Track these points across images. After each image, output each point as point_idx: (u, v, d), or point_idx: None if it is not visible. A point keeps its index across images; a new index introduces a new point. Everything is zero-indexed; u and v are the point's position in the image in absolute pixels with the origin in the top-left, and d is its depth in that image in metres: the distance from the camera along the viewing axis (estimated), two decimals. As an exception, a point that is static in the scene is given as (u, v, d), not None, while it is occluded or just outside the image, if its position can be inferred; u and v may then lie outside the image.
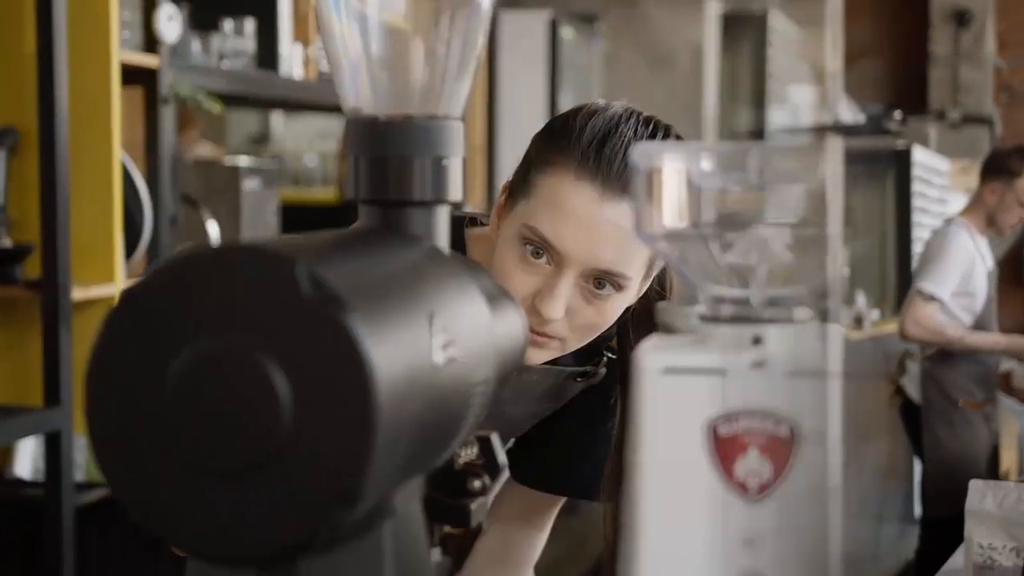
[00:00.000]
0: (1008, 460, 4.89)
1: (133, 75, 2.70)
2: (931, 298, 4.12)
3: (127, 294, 0.63)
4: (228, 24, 3.12)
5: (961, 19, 9.42)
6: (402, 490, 0.69)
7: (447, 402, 0.70)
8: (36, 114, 2.43)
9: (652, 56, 5.70)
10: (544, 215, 1.22)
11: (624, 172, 1.22)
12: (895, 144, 6.54)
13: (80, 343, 2.43)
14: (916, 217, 6.70)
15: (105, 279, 2.58)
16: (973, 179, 8.26)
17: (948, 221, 4.41)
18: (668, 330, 0.76)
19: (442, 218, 0.80)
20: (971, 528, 1.83)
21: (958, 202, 7.91)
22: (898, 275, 6.77)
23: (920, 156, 6.74)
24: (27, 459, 2.76)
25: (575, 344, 1.28)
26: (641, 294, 1.31)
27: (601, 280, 1.23)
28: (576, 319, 1.24)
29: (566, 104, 6.46)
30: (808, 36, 6.68)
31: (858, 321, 5.42)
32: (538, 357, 1.27)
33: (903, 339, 4.28)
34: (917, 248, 6.69)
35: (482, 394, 0.76)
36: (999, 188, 4.19)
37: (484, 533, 1.44)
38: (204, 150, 3.90)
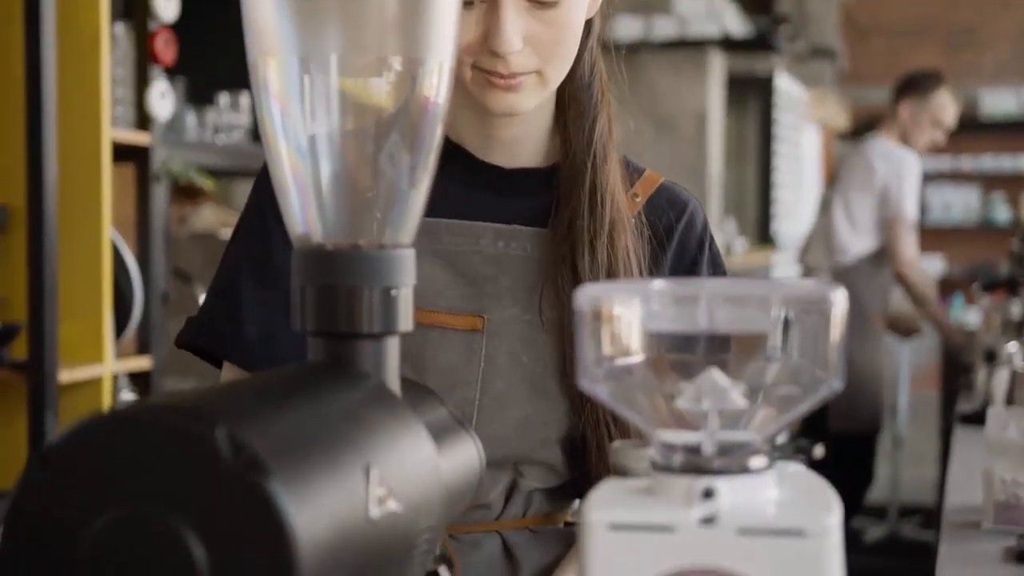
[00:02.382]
0: None
1: (125, 152, 2.69)
2: (914, 224, 4.27)
3: (45, 453, 0.60)
4: (223, 98, 3.12)
5: None
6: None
7: (387, 555, 0.67)
8: (25, 192, 2.42)
9: (656, 120, 5.70)
10: None
11: None
12: (772, 66, 6.60)
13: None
14: (774, 145, 6.82)
15: (94, 359, 2.55)
16: (828, 109, 8.33)
17: (870, 139, 4.56)
18: (622, 472, 0.73)
19: (392, 350, 0.77)
20: (992, 461, 1.65)
21: (810, 132, 8.00)
22: (759, 203, 6.83)
23: (781, 83, 6.79)
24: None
25: (556, 73, 1.18)
26: None
27: None
28: (538, 44, 1.15)
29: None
30: None
31: (726, 249, 5.56)
32: (524, 102, 1.18)
33: (899, 280, 4.39)
34: (777, 177, 6.80)
35: (428, 541, 0.73)
36: (912, 106, 4.42)
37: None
38: (209, 214, 3.89)
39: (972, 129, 10.08)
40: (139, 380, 2.78)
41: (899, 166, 4.34)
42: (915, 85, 4.46)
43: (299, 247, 0.77)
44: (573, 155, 1.24)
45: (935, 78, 4.49)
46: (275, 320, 1.20)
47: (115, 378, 2.67)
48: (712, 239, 1.30)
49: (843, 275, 4.35)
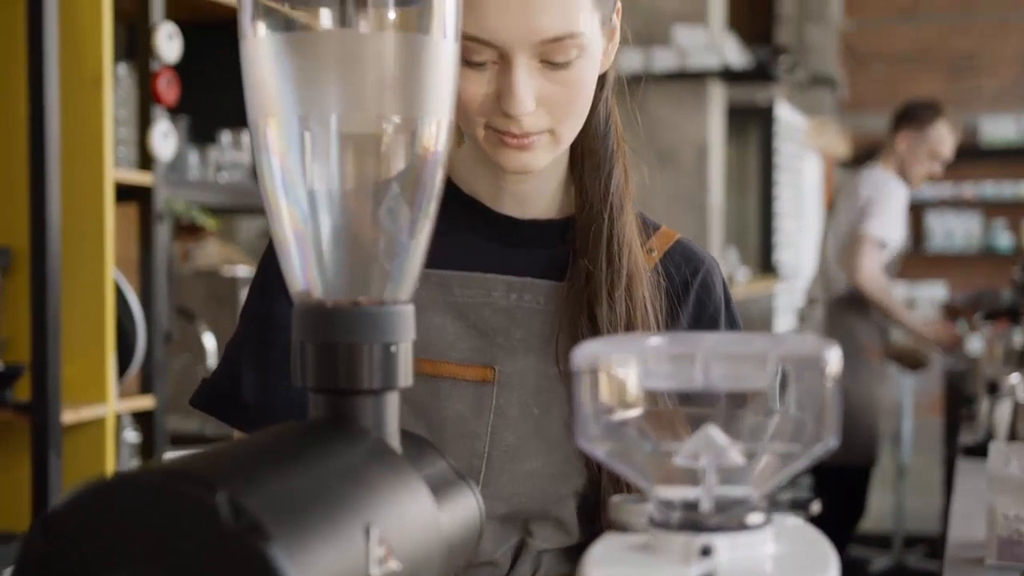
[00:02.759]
0: None
1: (128, 192, 2.70)
2: (881, 245, 4.20)
3: (46, 518, 0.61)
4: (226, 136, 3.14)
5: None
6: None
7: (387, 614, 0.68)
8: (28, 234, 2.43)
9: (657, 151, 5.72)
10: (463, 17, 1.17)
11: None
12: (772, 96, 6.61)
13: (70, 467, 2.41)
14: (775, 175, 6.82)
15: (97, 400, 2.55)
16: (828, 138, 8.35)
17: (865, 169, 4.54)
18: (621, 527, 0.74)
19: (392, 405, 0.77)
20: (994, 497, 1.65)
21: (812, 161, 8.03)
22: (760, 232, 6.83)
23: (782, 112, 6.80)
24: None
25: (569, 131, 1.17)
26: (613, 48, 1.21)
27: (554, 51, 1.12)
28: (551, 104, 1.14)
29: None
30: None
31: (729, 279, 5.50)
32: (537, 161, 1.17)
33: (854, 287, 4.33)
34: (778, 207, 6.80)
35: (428, 597, 0.73)
36: (910, 137, 4.39)
37: None
38: (212, 250, 3.91)
39: (973, 156, 10.11)
40: (142, 419, 2.79)
41: (879, 190, 4.32)
42: (913, 116, 4.44)
43: (299, 304, 0.77)
44: (590, 207, 1.23)
45: (933, 109, 4.46)
46: (274, 383, 1.22)
47: (118, 418, 2.67)
48: (730, 298, 1.29)
49: (836, 306, 4.33)
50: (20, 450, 2.48)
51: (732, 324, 1.28)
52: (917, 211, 10.31)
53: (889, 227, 4.26)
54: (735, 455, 0.68)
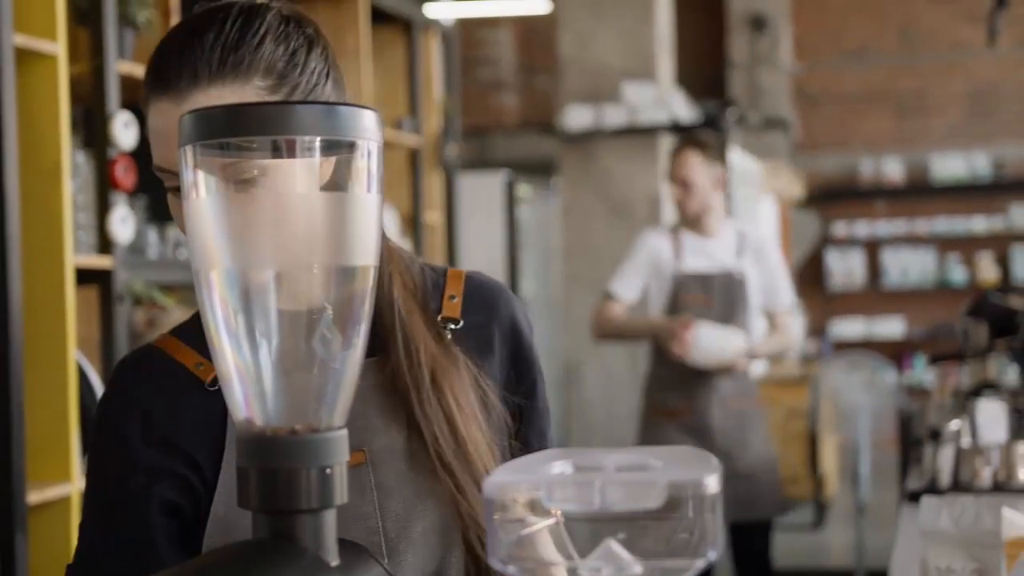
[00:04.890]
0: None
1: (88, 275, 2.77)
2: (613, 297, 4.16)
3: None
4: (183, 214, 3.22)
5: (757, 24, 9.74)
6: None
7: None
8: (-9, 319, 2.50)
9: (611, 204, 5.84)
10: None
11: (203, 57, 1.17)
12: (723, 143, 6.68)
13: (37, 547, 2.46)
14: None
15: (62, 479, 2.62)
16: (782, 180, 8.47)
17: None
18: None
19: (329, 521, 0.85)
20: (927, 549, 1.70)
21: (767, 203, 8.17)
22: None
23: (735, 159, 6.92)
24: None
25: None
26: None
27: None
28: None
29: (526, 258, 6.68)
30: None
31: None
32: None
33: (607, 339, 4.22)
34: None
35: None
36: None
37: None
38: (176, 318, 3.96)
39: (925, 193, 10.30)
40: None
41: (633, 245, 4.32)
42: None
43: (242, 431, 0.86)
44: (379, 313, 1.27)
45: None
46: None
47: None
48: (528, 321, 1.37)
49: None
50: (-13, 531, 2.53)
51: (530, 359, 1.36)
52: (873, 248, 10.48)
53: (621, 279, 4.21)
54: (633, 567, 0.77)
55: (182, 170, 0.85)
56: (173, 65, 1.18)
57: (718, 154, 4.13)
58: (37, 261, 2.59)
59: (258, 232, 0.85)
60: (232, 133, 0.84)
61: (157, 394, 1.26)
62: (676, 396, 4.12)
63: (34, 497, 2.53)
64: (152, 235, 3.07)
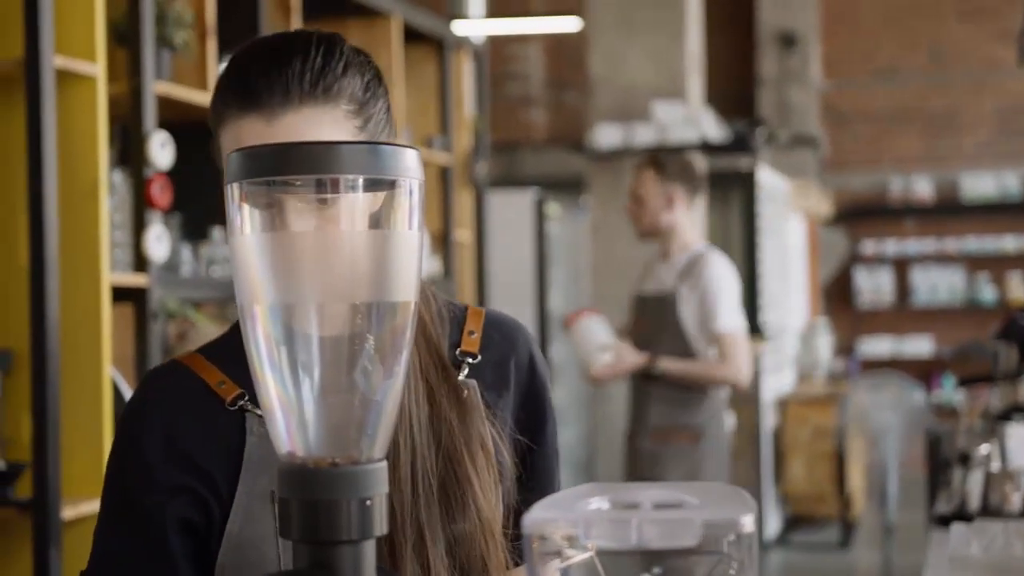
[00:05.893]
0: None
1: (123, 293, 2.81)
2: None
3: None
4: (218, 232, 3.25)
5: (787, 42, 9.70)
6: None
7: None
8: (28, 336, 2.53)
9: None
10: None
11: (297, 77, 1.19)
12: (753, 163, 6.69)
13: (71, 562, 2.49)
14: (758, 238, 6.89)
15: (97, 495, 2.64)
16: (811, 199, 8.43)
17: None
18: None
19: (368, 552, 0.87)
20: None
21: (795, 221, 8.14)
22: (746, 294, 6.90)
23: (763, 177, 6.90)
24: None
25: None
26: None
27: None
28: None
29: (555, 276, 6.70)
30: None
31: None
32: None
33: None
34: (763, 269, 6.89)
35: None
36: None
37: None
38: (207, 332, 4.00)
39: (955, 212, 10.26)
40: (140, 510, 2.86)
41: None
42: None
43: (284, 464, 0.88)
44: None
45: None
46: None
47: (116, 509, 2.75)
48: (541, 362, 1.38)
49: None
50: (22, 546, 2.56)
51: (542, 395, 1.37)
52: (902, 266, 10.45)
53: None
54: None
55: (228, 207, 0.88)
56: (263, 84, 1.20)
57: (676, 175, 4.03)
58: (74, 279, 2.62)
59: (302, 269, 0.87)
60: (278, 172, 0.86)
61: (178, 410, 1.28)
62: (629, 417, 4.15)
63: (68, 512, 2.56)
64: (186, 253, 3.11)
